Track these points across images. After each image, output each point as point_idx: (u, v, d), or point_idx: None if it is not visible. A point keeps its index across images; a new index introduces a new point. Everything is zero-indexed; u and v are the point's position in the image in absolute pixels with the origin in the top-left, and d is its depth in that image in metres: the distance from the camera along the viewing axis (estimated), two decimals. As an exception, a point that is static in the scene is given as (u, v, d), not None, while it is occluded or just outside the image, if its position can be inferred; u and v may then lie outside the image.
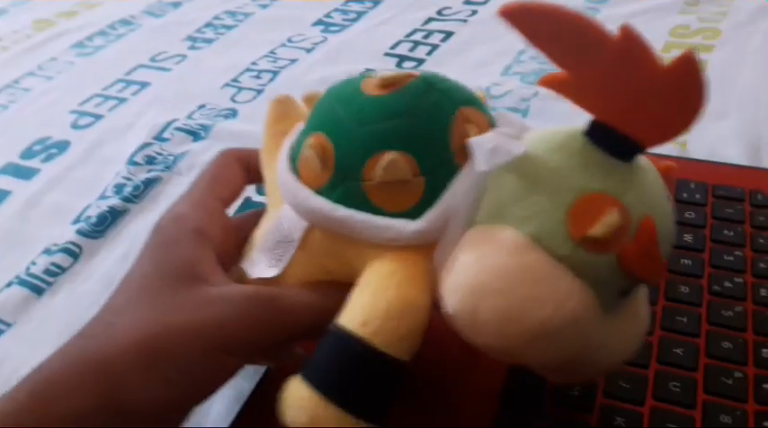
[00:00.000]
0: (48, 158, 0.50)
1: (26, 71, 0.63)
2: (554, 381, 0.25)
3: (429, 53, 0.58)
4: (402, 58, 0.57)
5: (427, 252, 0.21)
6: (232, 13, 0.69)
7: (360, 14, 0.66)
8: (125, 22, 0.71)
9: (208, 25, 0.68)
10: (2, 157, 0.50)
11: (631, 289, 0.20)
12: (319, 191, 0.22)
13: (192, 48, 0.64)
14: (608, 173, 0.19)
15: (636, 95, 0.18)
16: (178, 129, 0.50)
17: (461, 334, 0.20)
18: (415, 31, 0.61)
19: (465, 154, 0.21)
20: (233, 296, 0.22)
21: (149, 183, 0.45)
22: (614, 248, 0.19)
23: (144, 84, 0.58)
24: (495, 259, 0.19)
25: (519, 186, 0.20)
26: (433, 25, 0.62)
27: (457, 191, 0.21)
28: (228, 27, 0.67)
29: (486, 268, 0.19)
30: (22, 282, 0.38)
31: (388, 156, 0.21)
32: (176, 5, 0.73)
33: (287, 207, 0.24)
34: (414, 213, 0.21)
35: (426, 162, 0.21)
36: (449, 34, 0.60)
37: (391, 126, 0.22)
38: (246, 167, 0.27)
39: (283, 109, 0.27)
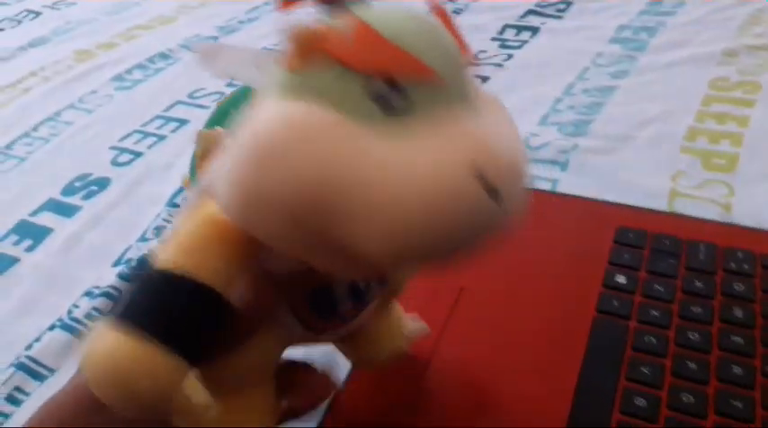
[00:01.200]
0: (88, 195, 0.50)
1: (67, 104, 0.64)
2: (389, 258, 0.18)
3: (465, 98, 0.58)
4: (438, 103, 0.57)
5: None
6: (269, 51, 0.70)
7: (395, 55, 0.67)
8: (163, 56, 0.72)
9: (245, 62, 0.68)
10: (44, 192, 0.51)
11: (401, 102, 0.17)
12: None
13: (230, 85, 0.64)
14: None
15: None
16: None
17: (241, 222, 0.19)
18: (451, 74, 0.62)
19: None
20: None
21: (189, 227, 0.45)
22: (317, 52, 0.17)
23: (183, 122, 0.59)
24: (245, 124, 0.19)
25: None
26: (468, 69, 0.62)
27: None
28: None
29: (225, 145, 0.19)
30: (65, 326, 0.38)
31: (205, 133, 0.22)
32: (213, 40, 0.74)
33: None
34: None
35: (230, 123, 0.22)
36: (484, 79, 0.60)
37: (206, 122, 0.24)
38: None
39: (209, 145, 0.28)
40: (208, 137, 0.22)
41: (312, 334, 0.25)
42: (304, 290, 0.23)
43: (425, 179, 0.16)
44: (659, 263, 0.37)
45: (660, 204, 0.43)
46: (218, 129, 0.22)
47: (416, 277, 0.27)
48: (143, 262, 0.42)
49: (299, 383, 0.27)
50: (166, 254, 0.19)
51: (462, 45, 0.19)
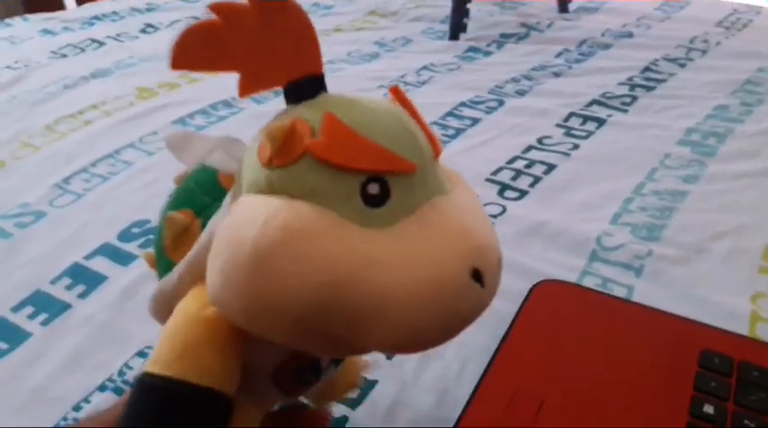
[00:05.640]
0: (146, 244, 0.49)
1: (127, 142, 0.64)
2: (378, 345, 0.19)
3: (531, 185, 0.57)
4: (504, 187, 0.57)
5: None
6: (332, 111, 0.70)
7: (458, 131, 0.67)
8: (227, 104, 0.72)
9: (308, 120, 0.68)
10: (100, 235, 0.50)
11: (382, 194, 0.18)
12: None
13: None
14: (290, 112, 0.20)
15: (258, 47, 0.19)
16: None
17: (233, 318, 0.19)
18: (515, 158, 0.61)
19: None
20: None
21: (250, 292, 0.44)
22: (298, 150, 0.18)
23: (245, 176, 0.58)
24: (218, 230, 0.19)
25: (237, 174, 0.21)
26: (534, 154, 0.62)
27: (217, 214, 0.21)
28: (329, 125, 0.67)
29: (215, 242, 0.19)
30: (117, 390, 0.37)
31: (171, 217, 0.23)
32: (277, 94, 0.75)
33: None
34: None
35: (198, 205, 0.23)
36: (551, 167, 0.60)
37: (169, 200, 0.25)
38: None
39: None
40: (178, 220, 0.23)
41: (290, 397, 0.26)
42: (289, 368, 0.23)
43: (427, 282, 0.17)
44: (748, 396, 0.35)
45: (741, 327, 0.41)
46: (187, 211, 0.23)
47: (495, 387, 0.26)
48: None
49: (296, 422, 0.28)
50: (161, 359, 0.20)
51: (429, 133, 0.20)
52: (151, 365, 0.20)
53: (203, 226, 0.23)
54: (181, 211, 0.23)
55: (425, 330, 0.18)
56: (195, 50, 0.19)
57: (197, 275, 0.21)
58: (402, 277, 0.17)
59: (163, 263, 0.24)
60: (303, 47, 0.20)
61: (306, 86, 0.20)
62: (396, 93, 0.21)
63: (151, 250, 0.26)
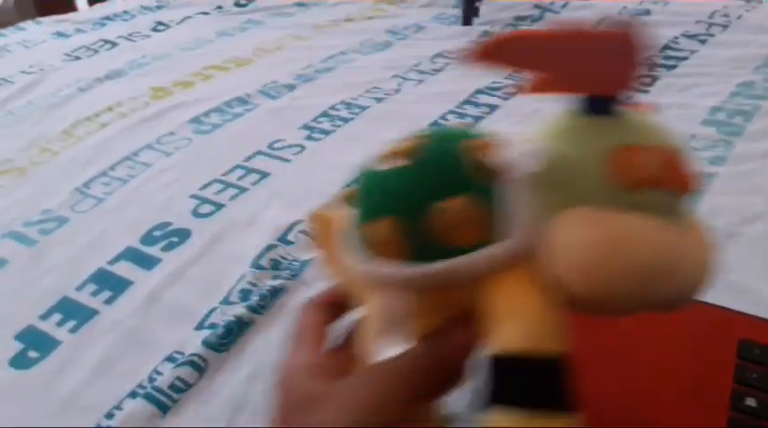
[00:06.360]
0: (168, 247, 0.49)
1: (144, 144, 0.64)
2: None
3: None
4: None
5: (522, 264, 0.24)
6: (347, 105, 0.70)
7: (476, 119, 0.66)
8: (241, 101, 0.71)
9: (324, 115, 0.68)
10: (122, 239, 0.50)
11: (677, 203, 0.24)
12: (409, 261, 0.24)
13: (308, 138, 0.64)
14: (612, 129, 0.23)
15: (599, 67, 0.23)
16: (303, 232, 0.49)
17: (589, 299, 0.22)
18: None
19: (482, 173, 0.24)
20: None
21: (275, 293, 0.43)
22: (657, 178, 0.22)
23: (264, 174, 0.58)
24: (592, 231, 0.22)
25: (561, 178, 0.23)
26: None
27: (518, 206, 0.24)
28: (345, 119, 0.67)
29: (592, 241, 0.22)
30: (148, 396, 0.36)
31: (452, 205, 0.23)
32: (291, 88, 0.74)
33: (381, 292, 0.26)
34: (490, 240, 0.24)
35: (473, 188, 0.24)
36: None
37: (432, 183, 0.24)
38: (327, 310, 0.29)
39: (325, 224, 0.30)
40: (458, 209, 0.23)
41: None
42: None
43: (706, 265, 0.24)
44: (790, 387, 0.34)
45: (779, 314, 0.40)
46: (463, 199, 0.24)
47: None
48: (229, 330, 0.40)
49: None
50: (539, 336, 0.22)
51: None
52: (526, 342, 0.22)
53: (484, 209, 0.24)
54: (452, 200, 0.24)
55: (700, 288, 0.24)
56: (505, 49, 0.21)
57: (511, 262, 0.24)
58: (696, 259, 0.24)
59: (429, 246, 0.24)
60: (619, 68, 0.23)
61: (606, 103, 0.23)
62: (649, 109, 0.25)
63: (379, 220, 0.24)
